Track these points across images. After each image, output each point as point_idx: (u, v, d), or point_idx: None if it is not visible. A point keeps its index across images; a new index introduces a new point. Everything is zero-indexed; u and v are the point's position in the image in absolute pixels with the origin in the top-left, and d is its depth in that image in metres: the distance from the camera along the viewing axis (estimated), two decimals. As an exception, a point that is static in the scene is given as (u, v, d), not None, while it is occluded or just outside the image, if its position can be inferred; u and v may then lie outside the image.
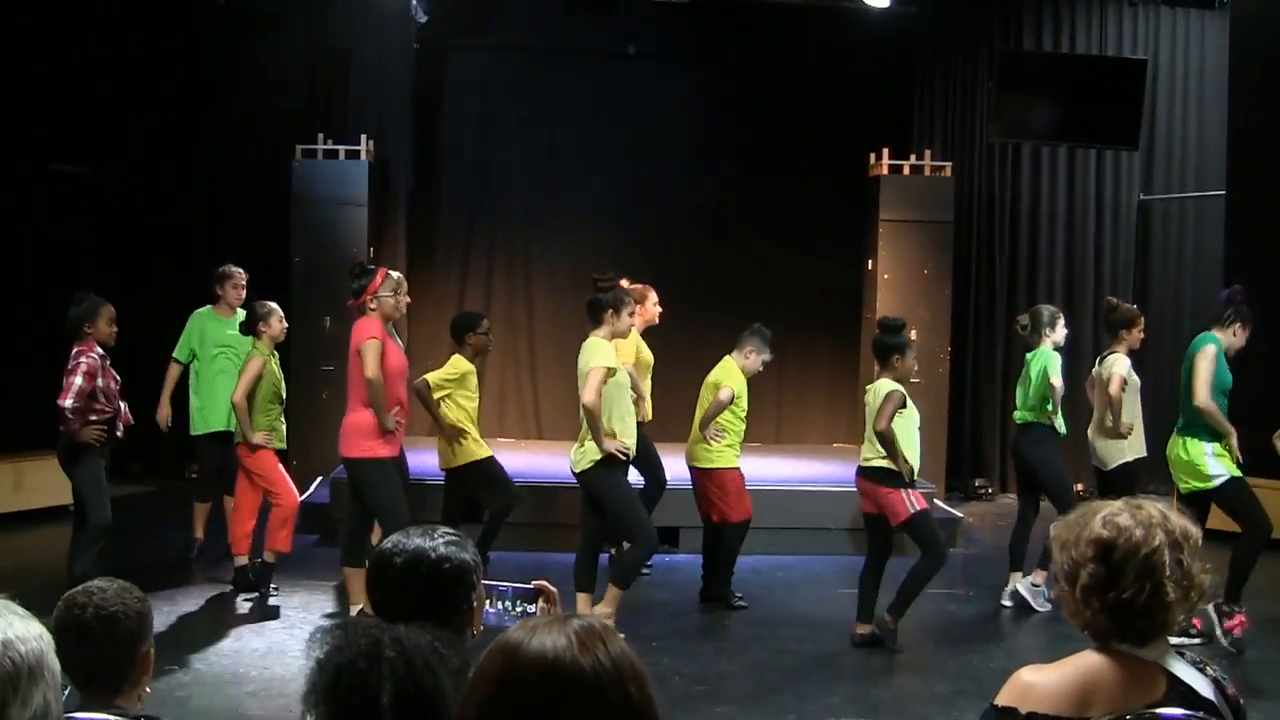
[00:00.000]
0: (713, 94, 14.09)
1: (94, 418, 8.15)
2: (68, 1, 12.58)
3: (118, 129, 13.21)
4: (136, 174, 13.31)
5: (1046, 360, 9.22)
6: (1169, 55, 14.21)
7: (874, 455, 8.20)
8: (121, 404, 8.35)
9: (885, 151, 12.95)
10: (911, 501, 8.16)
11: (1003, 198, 14.14)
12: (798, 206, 13.96)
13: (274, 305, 9.09)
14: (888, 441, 8.07)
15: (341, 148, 12.52)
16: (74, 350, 8.16)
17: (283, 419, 9.15)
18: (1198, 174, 14.19)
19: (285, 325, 9.09)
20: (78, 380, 8.03)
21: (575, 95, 13.97)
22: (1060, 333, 9.42)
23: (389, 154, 13.33)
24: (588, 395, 8.06)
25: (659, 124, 13.92)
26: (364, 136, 12.60)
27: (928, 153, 13.16)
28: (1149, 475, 10.14)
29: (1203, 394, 8.32)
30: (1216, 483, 8.35)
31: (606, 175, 13.94)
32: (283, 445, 9.22)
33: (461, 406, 9.05)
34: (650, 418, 9.55)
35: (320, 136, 12.53)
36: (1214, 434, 8.38)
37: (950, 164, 13.22)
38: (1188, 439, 8.45)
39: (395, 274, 8.42)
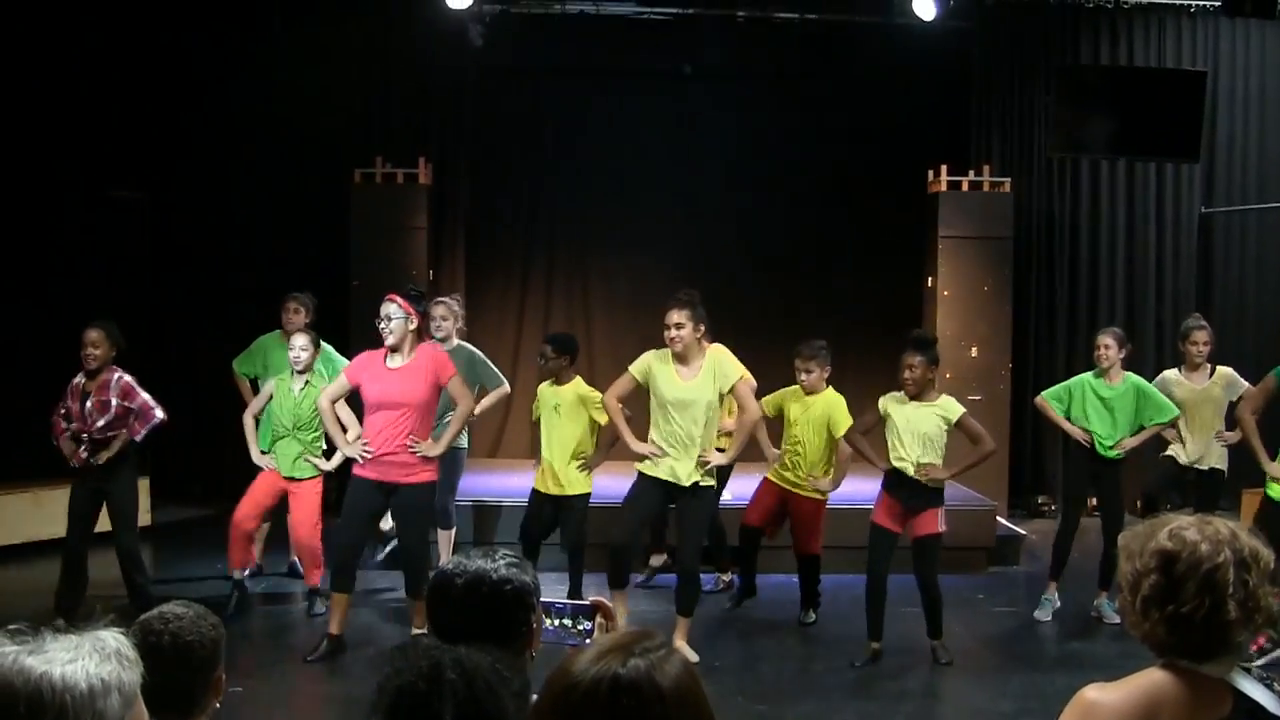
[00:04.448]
0: (769, 113, 14.05)
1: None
2: (124, 30, 12.74)
3: (175, 155, 13.29)
4: (195, 199, 13.35)
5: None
6: (1229, 66, 14.07)
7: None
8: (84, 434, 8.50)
9: (943, 168, 12.89)
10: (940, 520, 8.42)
11: (1062, 213, 14.03)
12: (856, 223, 13.91)
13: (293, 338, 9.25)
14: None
15: (400, 171, 12.59)
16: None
17: (292, 446, 9.13)
18: (1259, 186, 14.05)
19: (292, 354, 9.10)
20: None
21: (632, 115, 13.98)
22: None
23: (447, 177, 13.37)
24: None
25: (716, 143, 13.93)
26: (422, 159, 12.66)
27: (986, 168, 13.09)
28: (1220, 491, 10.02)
29: None
30: None
31: (664, 195, 13.94)
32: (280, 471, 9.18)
33: None
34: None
35: (378, 160, 12.59)
36: None
37: (1009, 179, 13.14)
38: None
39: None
